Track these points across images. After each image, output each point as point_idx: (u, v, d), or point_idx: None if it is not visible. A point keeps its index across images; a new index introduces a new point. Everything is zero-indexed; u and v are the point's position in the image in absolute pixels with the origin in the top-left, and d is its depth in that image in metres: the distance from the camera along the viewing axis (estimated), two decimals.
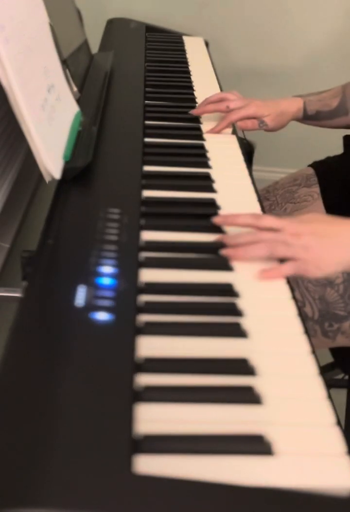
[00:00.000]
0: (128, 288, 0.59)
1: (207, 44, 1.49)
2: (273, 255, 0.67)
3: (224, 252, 0.67)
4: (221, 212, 0.76)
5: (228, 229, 0.72)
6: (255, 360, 0.54)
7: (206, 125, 1.01)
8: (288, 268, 0.66)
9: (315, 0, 1.84)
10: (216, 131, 0.99)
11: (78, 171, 0.76)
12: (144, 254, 0.67)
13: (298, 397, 0.52)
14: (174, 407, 0.49)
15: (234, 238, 0.69)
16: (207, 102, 1.02)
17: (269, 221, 0.68)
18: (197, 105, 1.10)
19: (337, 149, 1.18)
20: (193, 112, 1.03)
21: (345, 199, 1.08)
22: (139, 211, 0.73)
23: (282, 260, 0.68)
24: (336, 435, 0.49)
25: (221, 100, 1.01)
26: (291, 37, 1.90)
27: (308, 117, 1.05)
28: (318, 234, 0.67)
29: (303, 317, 0.62)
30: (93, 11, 1.65)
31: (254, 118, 0.99)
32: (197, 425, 0.48)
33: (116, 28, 1.50)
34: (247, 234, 0.68)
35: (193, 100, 1.13)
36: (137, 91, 1.10)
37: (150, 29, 1.52)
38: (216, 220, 0.72)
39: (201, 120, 1.04)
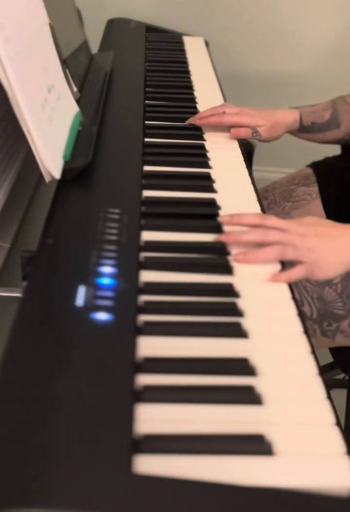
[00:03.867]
0: (128, 288, 0.59)
1: (207, 44, 1.49)
2: (284, 258, 0.68)
3: (236, 258, 0.67)
4: (221, 212, 0.76)
5: (229, 228, 0.72)
6: (255, 360, 0.54)
7: (206, 127, 1.00)
8: (298, 272, 0.67)
9: (317, 2, 1.84)
10: (203, 123, 0.98)
11: (78, 171, 0.76)
12: (144, 254, 0.67)
13: (298, 397, 0.52)
14: (174, 407, 0.49)
15: (239, 236, 0.69)
16: (202, 112, 1.01)
17: (274, 221, 0.69)
18: (197, 105, 1.10)
19: (336, 149, 1.18)
20: (191, 121, 1.01)
21: (344, 199, 1.08)
22: (139, 211, 0.73)
23: (283, 263, 0.68)
24: (336, 435, 0.49)
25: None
26: (292, 39, 1.89)
27: (303, 129, 1.04)
28: (322, 236, 0.69)
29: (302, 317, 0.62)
30: (93, 11, 1.65)
31: (247, 127, 0.98)
32: (197, 425, 0.48)
33: (116, 28, 1.50)
34: (253, 233, 0.69)
35: (193, 100, 1.13)
36: (137, 91, 1.10)
37: (150, 29, 1.52)
38: (222, 219, 0.72)
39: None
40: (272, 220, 0.70)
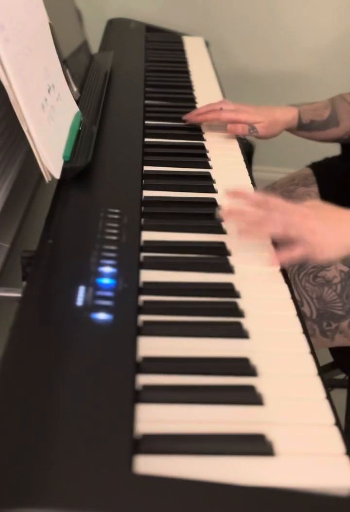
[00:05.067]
0: (128, 288, 0.59)
1: (207, 44, 1.49)
2: (286, 234, 0.69)
3: (238, 230, 0.69)
4: (223, 208, 0.76)
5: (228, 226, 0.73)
6: (255, 360, 0.54)
7: (206, 126, 1.00)
8: (298, 251, 0.68)
9: (317, 1, 1.84)
10: (200, 119, 0.98)
11: (78, 171, 0.76)
12: (144, 254, 0.67)
13: (298, 397, 0.52)
14: (174, 407, 0.49)
15: (242, 214, 0.71)
16: (199, 108, 1.02)
17: (277, 202, 0.71)
18: (197, 105, 1.10)
19: (335, 150, 1.18)
20: (188, 117, 1.00)
21: (343, 200, 1.07)
22: (139, 211, 0.73)
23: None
24: (336, 435, 0.49)
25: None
26: (292, 38, 1.89)
27: (302, 127, 1.03)
28: (322, 218, 0.70)
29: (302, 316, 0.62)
30: (93, 11, 1.65)
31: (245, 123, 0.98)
32: (197, 425, 0.48)
33: (116, 28, 1.50)
34: (256, 212, 0.70)
35: (193, 100, 1.13)
36: (137, 91, 1.10)
37: (150, 29, 1.52)
38: (227, 194, 0.74)
39: None
40: (275, 201, 0.71)
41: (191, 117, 1.00)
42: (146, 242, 0.69)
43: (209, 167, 0.88)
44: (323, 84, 1.87)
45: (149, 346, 0.54)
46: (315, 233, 0.68)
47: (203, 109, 1.00)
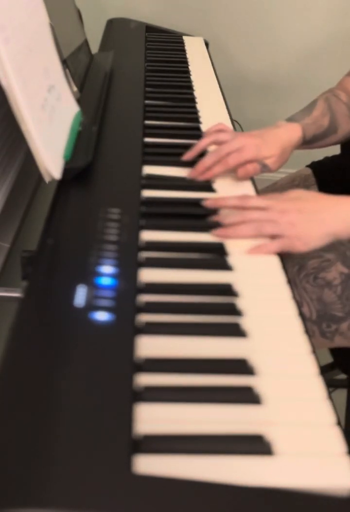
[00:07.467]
0: (128, 288, 0.59)
1: (207, 44, 1.49)
2: (261, 233, 0.71)
3: (215, 233, 0.71)
4: (221, 211, 0.77)
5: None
6: (254, 360, 0.54)
7: (205, 126, 1.00)
8: (275, 245, 0.70)
9: (317, 3, 1.84)
10: (208, 176, 0.84)
11: (78, 171, 0.76)
12: (144, 254, 0.67)
13: (298, 397, 0.52)
14: (174, 407, 0.49)
15: (223, 217, 0.74)
16: (200, 147, 0.88)
17: (256, 201, 0.74)
18: (197, 105, 1.10)
19: (335, 149, 1.18)
20: (194, 175, 0.85)
21: None
22: (139, 211, 0.73)
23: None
24: (336, 435, 0.49)
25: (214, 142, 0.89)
26: (292, 38, 1.90)
27: (304, 143, 0.96)
28: (303, 210, 0.72)
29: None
30: (93, 11, 1.66)
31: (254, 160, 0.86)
32: (197, 425, 0.48)
33: (116, 28, 1.50)
34: (236, 214, 0.73)
35: (193, 100, 1.13)
36: (137, 91, 1.10)
37: (150, 29, 1.52)
38: (207, 203, 0.76)
39: (201, 119, 1.04)
40: (253, 200, 0.74)
41: (197, 175, 0.85)
42: (146, 242, 0.69)
43: None
44: (324, 85, 1.87)
45: (149, 346, 0.54)
46: (293, 225, 0.70)
47: (207, 161, 0.85)
